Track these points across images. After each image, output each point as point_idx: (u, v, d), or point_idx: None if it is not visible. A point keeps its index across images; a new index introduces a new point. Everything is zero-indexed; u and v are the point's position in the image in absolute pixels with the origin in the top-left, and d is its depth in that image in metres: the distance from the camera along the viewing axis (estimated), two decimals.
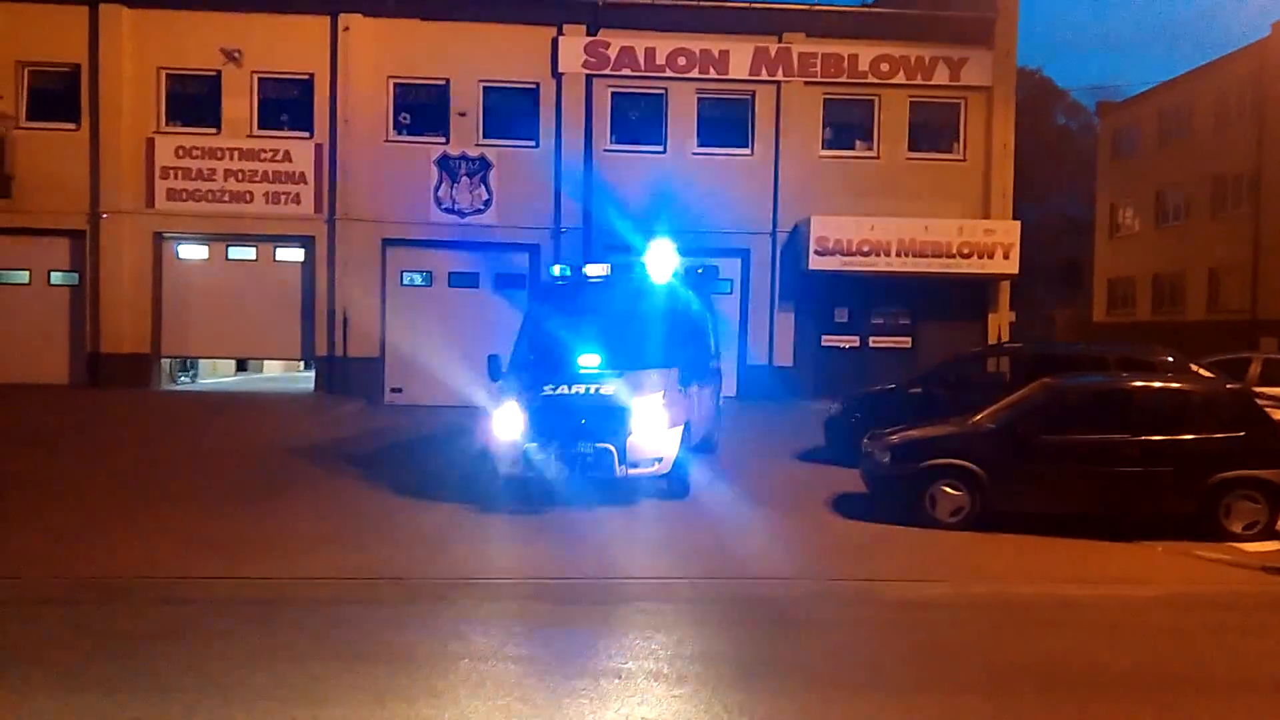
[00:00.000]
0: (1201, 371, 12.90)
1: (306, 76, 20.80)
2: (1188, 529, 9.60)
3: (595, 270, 12.44)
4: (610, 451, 10.18)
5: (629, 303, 11.82)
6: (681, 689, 5.57)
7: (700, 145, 21.69)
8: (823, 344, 21.71)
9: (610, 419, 10.29)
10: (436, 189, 20.90)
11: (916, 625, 7.12)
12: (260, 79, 20.81)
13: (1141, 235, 37.27)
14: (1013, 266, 20.94)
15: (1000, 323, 21.84)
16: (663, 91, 21.59)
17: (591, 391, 10.51)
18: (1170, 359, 13.00)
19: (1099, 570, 8.66)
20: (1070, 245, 40.51)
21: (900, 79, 21.69)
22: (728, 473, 12.47)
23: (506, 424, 10.45)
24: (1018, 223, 21.21)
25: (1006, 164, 21.84)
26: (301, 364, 24.25)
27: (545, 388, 10.61)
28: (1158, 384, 10.54)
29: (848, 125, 22.12)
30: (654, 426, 10.41)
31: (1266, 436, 9.84)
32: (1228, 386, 10.94)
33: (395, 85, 21.03)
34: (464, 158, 20.96)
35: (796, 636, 6.81)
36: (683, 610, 7.31)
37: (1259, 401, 10.67)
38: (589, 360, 10.87)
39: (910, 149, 21.94)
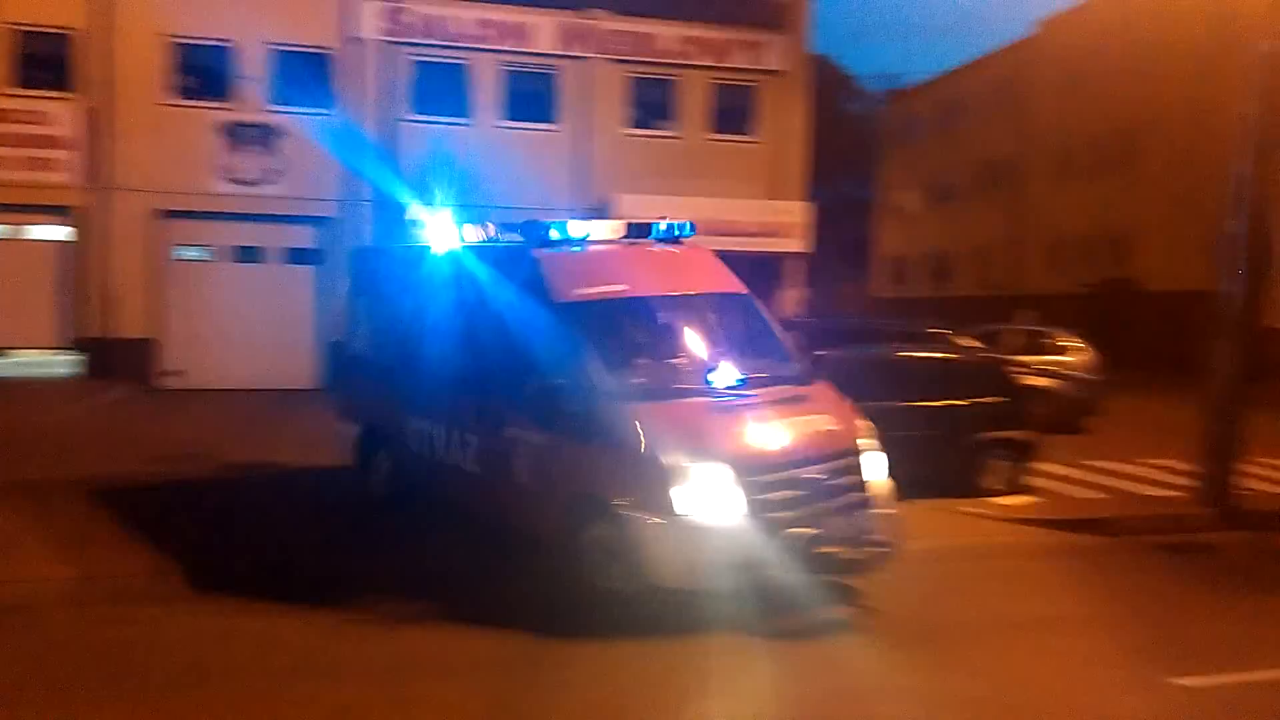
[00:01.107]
0: (967, 342, 14.07)
1: (70, 31, 18.96)
2: (955, 489, 10.43)
3: (614, 228, 8.27)
4: (858, 526, 6.81)
5: (682, 274, 8.01)
6: None
7: (505, 119, 21.45)
8: None
9: (851, 472, 7.00)
10: (219, 158, 19.61)
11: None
12: (15, 31, 18.80)
13: (919, 216, 40.04)
14: (805, 245, 22.01)
15: (793, 299, 22.93)
16: (466, 62, 21.17)
17: (811, 427, 7.01)
18: (940, 331, 14.11)
19: None
20: (857, 225, 43.00)
21: (701, 60, 22.24)
22: None
23: (708, 487, 6.27)
24: (809, 204, 22.28)
25: (800, 147, 22.86)
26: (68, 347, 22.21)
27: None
28: (927, 355, 11.39)
29: (651, 104, 22.44)
30: (885, 482, 7.25)
31: (1016, 401, 10.89)
32: (984, 356, 12.01)
33: (173, 45, 19.53)
34: (250, 125, 19.73)
35: None
36: None
37: (1010, 369, 11.77)
38: (725, 373, 7.03)
39: (710, 130, 22.55)
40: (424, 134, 20.70)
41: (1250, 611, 7.19)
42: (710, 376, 6.96)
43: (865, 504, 6.94)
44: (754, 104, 22.77)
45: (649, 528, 6.27)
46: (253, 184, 19.78)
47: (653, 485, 6.32)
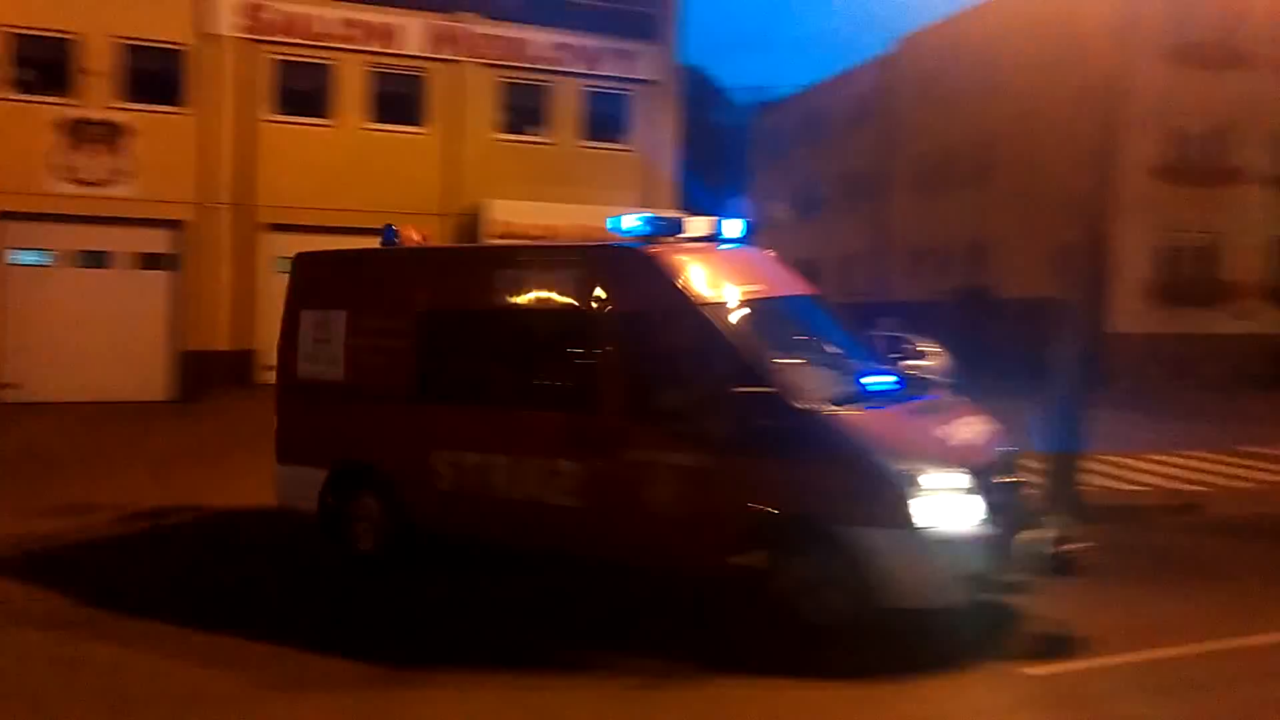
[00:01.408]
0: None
1: None
2: None
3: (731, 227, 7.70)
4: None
5: (779, 274, 7.98)
6: None
7: (372, 121, 20.93)
8: None
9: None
10: (59, 156, 18.41)
11: None
12: None
13: (788, 226, 41.09)
14: None
15: None
16: (331, 62, 20.55)
17: (988, 428, 7.01)
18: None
19: None
20: None
21: (573, 67, 22.24)
22: None
23: (947, 495, 5.95)
24: (682, 214, 22.49)
25: (672, 156, 23.10)
26: None
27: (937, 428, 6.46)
28: None
29: (523, 110, 22.30)
30: None
31: None
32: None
33: (9, 35, 18.25)
34: (94, 123, 18.63)
35: None
36: None
37: None
38: (884, 376, 6.85)
39: (583, 137, 22.55)
40: (285, 135, 20.00)
41: (1096, 601, 7.56)
42: (868, 380, 6.53)
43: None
44: (626, 112, 22.91)
45: (889, 544, 5.76)
46: (98, 185, 18.66)
47: (886, 497, 5.81)
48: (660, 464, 6.41)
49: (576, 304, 6.98)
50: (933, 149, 32.30)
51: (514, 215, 20.88)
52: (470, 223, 21.14)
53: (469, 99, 21.47)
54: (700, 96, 35.69)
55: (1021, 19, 27.50)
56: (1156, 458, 13.58)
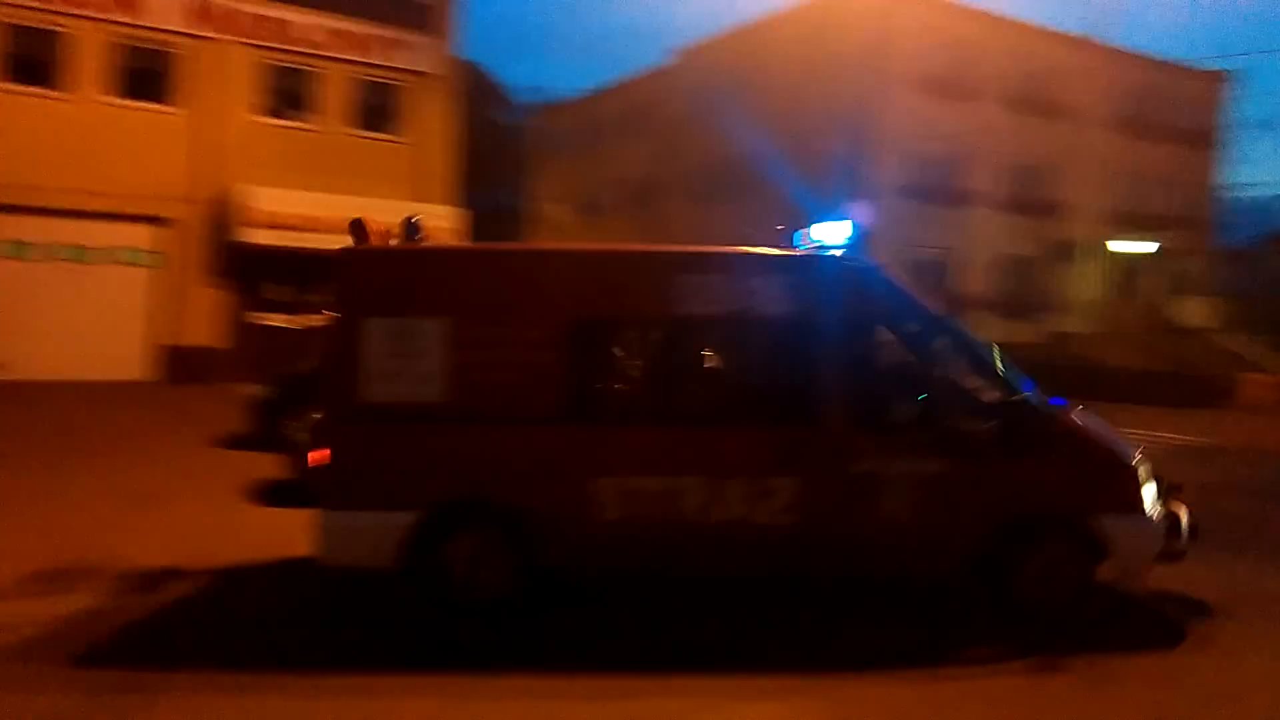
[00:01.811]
0: None
1: None
2: None
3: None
4: None
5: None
6: None
7: (114, 96, 19.25)
8: (256, 322, 20.63)
9: None
10: None
11: None
12: None
13: (569, 229, 41.44)
14: None
15: None
16: (67, 30, 18.71)
17: None
18: None
19: None
20: (509, 235, 43.57)
21: (341, 54, 21.40)
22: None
23: (1151, 483, 6.83)
24: (460, 210, 22.16)
25: (446, 151, 22.70)
26: None
27: None
28: None
29: (287, 94, 21.22)
30: None
31: None
32: None
33: None
34: None
35: None
36: None
37: None
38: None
39: (351, 125, 21.76)
40: (14, 105, 18.07)
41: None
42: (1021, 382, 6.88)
43: None
44: (398, 104, 22.31)
45: (1130, 529, 6.51)
46: None
47: (1129, 487, 6.56)
48: (895, 473, 6.39)
49: (789, 314, 6.63)
50: (708, 160, 33.54)
51: (276, 204, 19.80)
52: (222, 210, 19.86)
53: (227, 80, 20.19)
54: (480, 93, 35.33)
55: (784, 41, 29.21)
56: None
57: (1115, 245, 29.07)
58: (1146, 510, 6.55)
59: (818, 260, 6.97)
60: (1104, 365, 28.14)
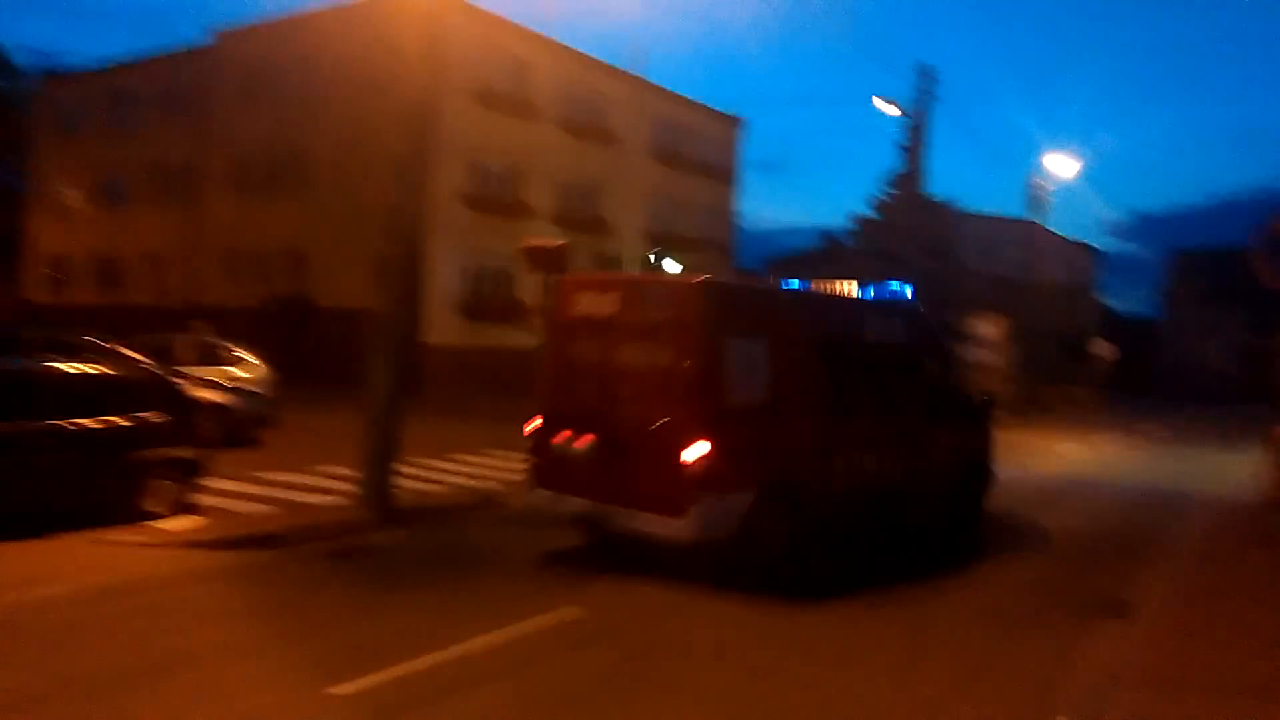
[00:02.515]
0: (129, 354, 12.69)
1: None
2: (114, 516, 9.17)
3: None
4: None
5: None
6: None
7: None
8: None
9: None
10: None
11: None
12: None
13: (85, 215, 36.03)
14: None
15: None
16: None
17: None
18: (94, 341, 12.47)
19: None
20: (6, 220, 36.79)
21: None
22: None
23: None
24: None
25: None
26: None
27: None
28: (72, 368, 9.76)
29: None
30: None
31: (182, 416, 10.07)
32: (145, 369, 10.93)
33: None
34: None
35: None
36: None
37: (179, 381, 10.91)
38: None
39: None
40: None
41: (401, 605, 7.60)
42: None
43: None
44: None
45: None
46: None
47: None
48: (935, 443, 10.74)
49: (904, 341, 10.87)
50: (253, 150, 31.00)
51: None
52: None
53: None
54: None
55: (340, 36, 27.92)
56: (465, 459, 14.59)
57: (656, 263, 31.81)
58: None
59: (907, 307, 11.16)
60: None
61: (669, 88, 36.78)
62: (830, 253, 47.30)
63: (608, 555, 8.90)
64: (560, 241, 8.47)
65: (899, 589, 8.36)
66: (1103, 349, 44.28)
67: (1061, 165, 36.74)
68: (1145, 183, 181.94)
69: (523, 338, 29.96)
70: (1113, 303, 69.20)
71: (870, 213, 38.30)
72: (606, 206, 33.51)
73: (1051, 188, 36.73)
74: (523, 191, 30.43)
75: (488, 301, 29.15)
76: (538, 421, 9.01)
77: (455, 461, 14.35)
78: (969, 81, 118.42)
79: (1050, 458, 20.23)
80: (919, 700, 5.55)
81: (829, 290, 10.82)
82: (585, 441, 8.27)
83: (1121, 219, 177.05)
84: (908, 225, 30.05)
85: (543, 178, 30.93)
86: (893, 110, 26.85)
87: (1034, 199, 36.46)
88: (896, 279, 12.01)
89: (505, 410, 22.58)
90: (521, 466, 9.67)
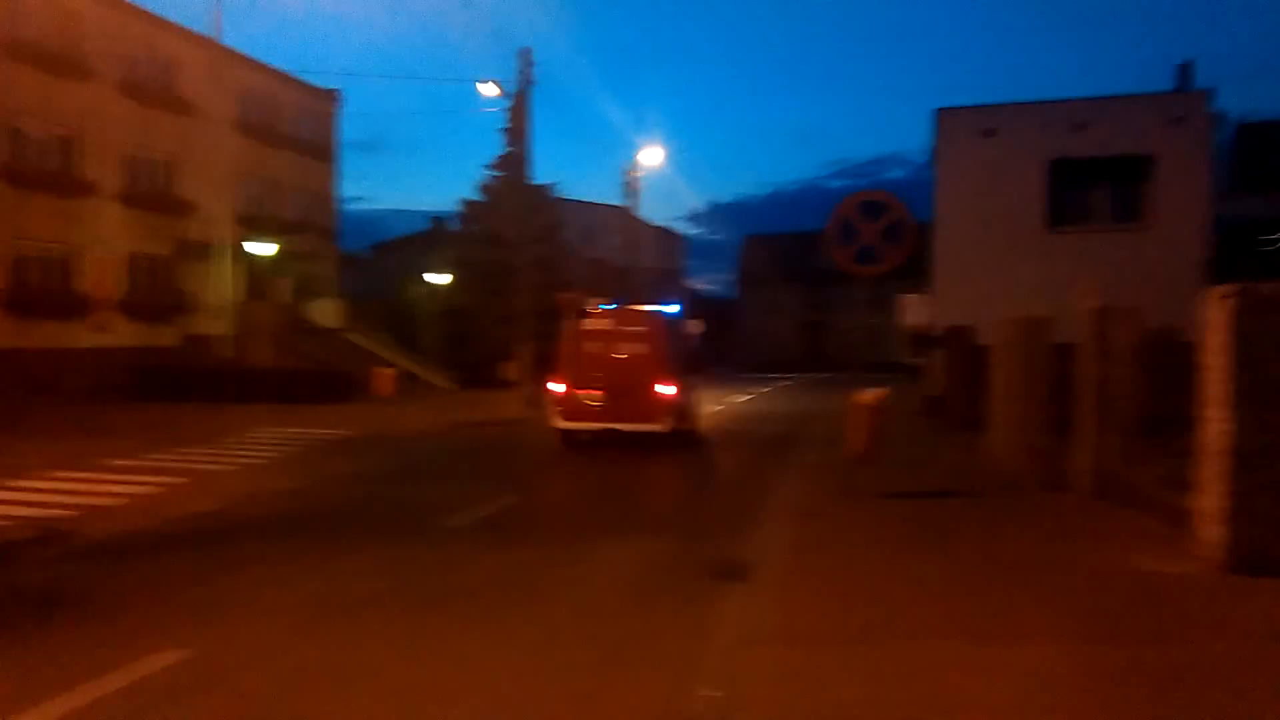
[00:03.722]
0: None
1: None
2: None
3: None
4: None
5: None
6: None
7: None
8: None
9: None
10: None
11: None
12: None
13: None
14: None
15: None
16: None
17: None
18: None
19: None
20: None
21: None
22: None
23: None
24: None
25: None
26: None
27: None
28: None
29: None
30: None
31: None
32: None
33: None
34: None
35: None
36: None
37: None
38: None
39: None
40: None
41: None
42: None
43: None
44: None
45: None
46: None
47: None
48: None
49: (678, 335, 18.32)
50: None
51: None
52: None
53: None
54: None
55: None
56: (18, 484, 12.11)
57: (250, 246, 29.14)
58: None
59: (679, 316, 18.27)
60: (246, 367, 28.08)
61: (259, 58, 33.87)
62: (436, 236, 46.70)
63: (205, 585, 7.73)
64: (581, 293, 18.02)
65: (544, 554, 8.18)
66: (693, 326, 48.69)
67: (650, 156, 39.33)
68: (718, 174, 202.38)
69: (90, 336, 26.00)
70: (699, 284, 76.08)
71: (477, 196, 38.11)
72: (188, 185, 30.10)
73: (642, 176, 39.20)
74: (79, 164, 26.28)
75: (40, 295, 24.89)
76: (564, 386, 16.13)
77: (5, 489, 11.87)
78: (571, 74, 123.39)
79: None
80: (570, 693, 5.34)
81: (642, 312, 17.11)
82: (596, 395, 15.96)
83: (699, 207, 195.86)
84: (513, 209, 30.38)
85: (104, 149, 26.95)
86: (493, 91, 26.85)
87: (628, 187, 38.66)
88: (669, 301, 19.45)
89: (72, 422, 19.42)
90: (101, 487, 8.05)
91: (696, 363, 19.71)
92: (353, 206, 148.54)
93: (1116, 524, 8.81)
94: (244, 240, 29.87)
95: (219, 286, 30.60)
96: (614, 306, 17.20)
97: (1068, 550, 7.83)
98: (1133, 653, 5.29)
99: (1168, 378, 10.21)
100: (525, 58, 26.47)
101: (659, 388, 15.74)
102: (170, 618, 6.87)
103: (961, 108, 23.25)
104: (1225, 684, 4.82)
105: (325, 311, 34.65)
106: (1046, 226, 22.29)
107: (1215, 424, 6.82)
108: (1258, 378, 6.62)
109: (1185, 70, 27.14)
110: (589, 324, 16.34)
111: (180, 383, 25.40)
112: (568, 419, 16.06)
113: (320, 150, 36.99)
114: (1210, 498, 6.88)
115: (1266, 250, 27.21)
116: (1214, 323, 6.85)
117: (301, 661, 5.92)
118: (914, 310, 23.24)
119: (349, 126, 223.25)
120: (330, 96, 37.62)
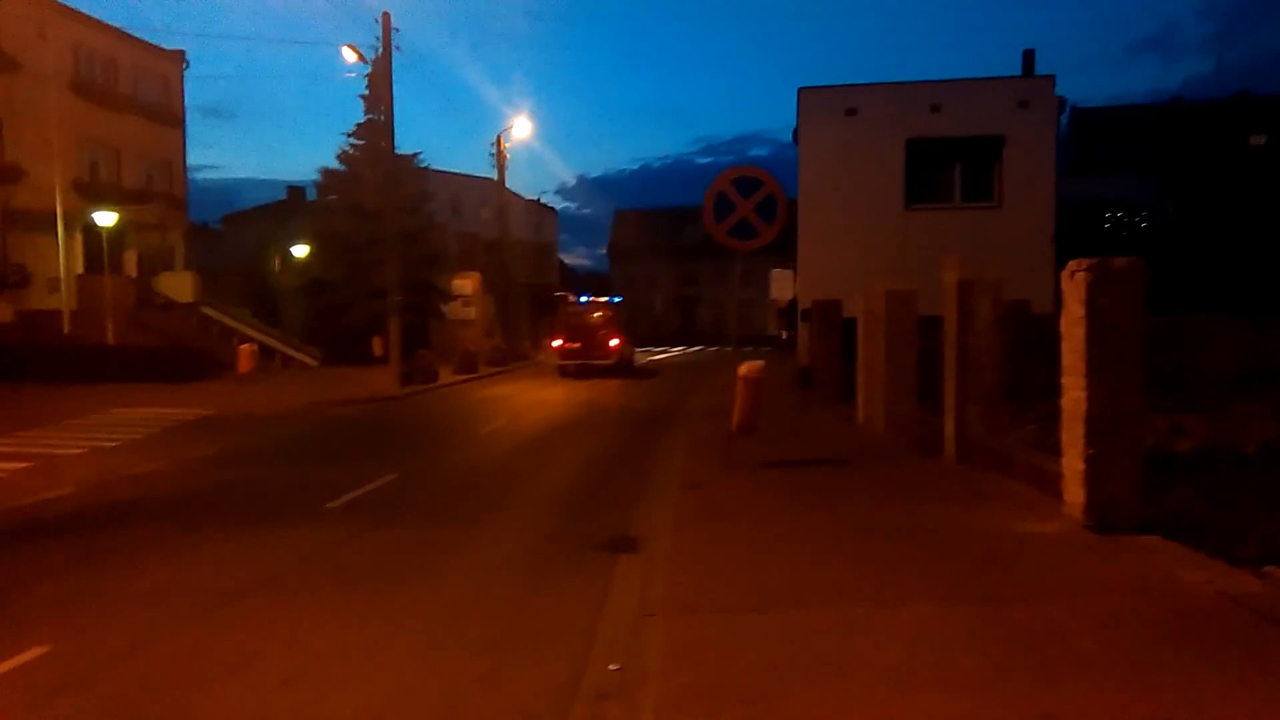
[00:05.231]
0: None
1: None
2: None
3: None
4: None
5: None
6: None
7: None
8: None
9: None
10: None
11: None
12: None
13: None
14: None
15: None
16: None
17: None
18: None
19: None
20: None
21: None
22: None
23: None
24: None
25: None
26: None
27: None
28: None
29: None
30: None
31: None
32: None
33: None
34: None
35: None
36: None
37: None
38: None
39: None
40: None
41: None
42: None
43: None
44: None
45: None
46: None
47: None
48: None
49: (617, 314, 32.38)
50: None
51: None
52: None
53: None
54: None
55: None
56: None
57: (96, 217, 27.17)
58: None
59: (619, 303, 33.58)
60: (90, 344, 26.36)
61: (94, 15, 31.52)
62: (294, 207, 44.80)
63: (60, 578, 7.21)
64: (565, 292, 29.31)
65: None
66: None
67: (520, 129, 38.77)
68: (587, 149, 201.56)
69: None
70: (571, 258, 75.69)
71: (337, 165, 36.59)
72: (15, 148, 27.86)
73: (512, 149, 38.62)
74: None
75: None
76: (560, 342, 29.21)
77: None
78: (440, 44, 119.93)
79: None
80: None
81: (601, 301, 30.08)
82: (577, 346, 28.85)
83: (569, 181, 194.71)
84: (376, 180, 29.36)
85: None
86: (351, 57, 25.86)
87: (497, 160, 37.99)
88: (614, 297, 30.27)
89: None
90: None
91: (629, 327, 33.20)
92: (204, 175, 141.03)
93: (986, 487, 9.25)
94: (82, 209, 27.90)
95: (56, 259, 28.51)
96: (585, 299, 31.78)
97: (942, 513, 8.17)
98: (1007, 609, 5.57)
99: (1024, 348, 10.77)
100: (385, 22, 25.54)
101: (611, 341, 28.85)
102: (25, 614, 6.39)
103: (824, 87, 23.76)
104: (1091, 635, 5.13)
105: (177, 285, 32.72)
106: (905, 203, 23.14)
107: (1072, 391, 7.23)
108: (1110, 348, 7.04)
109: (1029, 57, 28.63)
110: (572, 308, 30.47)
111: (14, 361, 23.60)
112: (563, 359, 29.08)
113: (166, 114, 34.82)
114: (1071, 460, 7.30)
115: (1107, 228, 29.09)
116: (1069, 295, 7.24)
117: (172, 653, 5.60)
118: (783, 284, 23.75)
119: (200, 91, 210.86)
120: (176, 57, 35.43)
